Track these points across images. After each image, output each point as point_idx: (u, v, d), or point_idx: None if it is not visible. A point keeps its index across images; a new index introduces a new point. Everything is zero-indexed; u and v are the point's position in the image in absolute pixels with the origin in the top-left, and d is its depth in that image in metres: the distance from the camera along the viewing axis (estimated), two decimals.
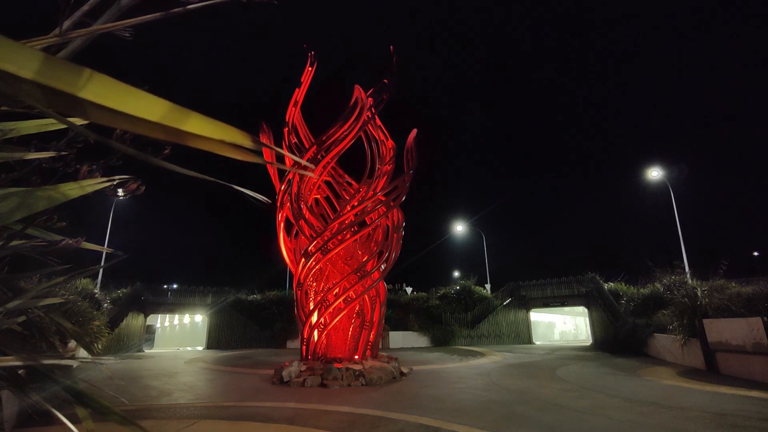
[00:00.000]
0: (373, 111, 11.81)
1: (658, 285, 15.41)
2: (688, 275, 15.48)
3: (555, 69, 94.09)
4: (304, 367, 9.38)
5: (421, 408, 6.43)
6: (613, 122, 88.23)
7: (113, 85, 0.49)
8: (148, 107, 0.50)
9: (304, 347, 10.39)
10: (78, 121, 0.90)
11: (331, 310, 10.42)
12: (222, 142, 0.55)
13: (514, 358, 14.61)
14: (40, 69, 0.47)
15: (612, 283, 20.76)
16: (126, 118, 0.50)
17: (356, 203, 11.39)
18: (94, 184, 1.10)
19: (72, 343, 8.45)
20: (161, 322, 32.01)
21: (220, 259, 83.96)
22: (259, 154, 0.60)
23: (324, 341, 10.56)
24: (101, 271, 18.27)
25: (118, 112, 0.49)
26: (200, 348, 23.57)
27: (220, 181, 0.94)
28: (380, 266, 11.52)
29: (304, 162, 0.90)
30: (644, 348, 14.71)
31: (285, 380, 8.99)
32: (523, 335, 23.13)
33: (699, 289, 11.98)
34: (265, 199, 1.02)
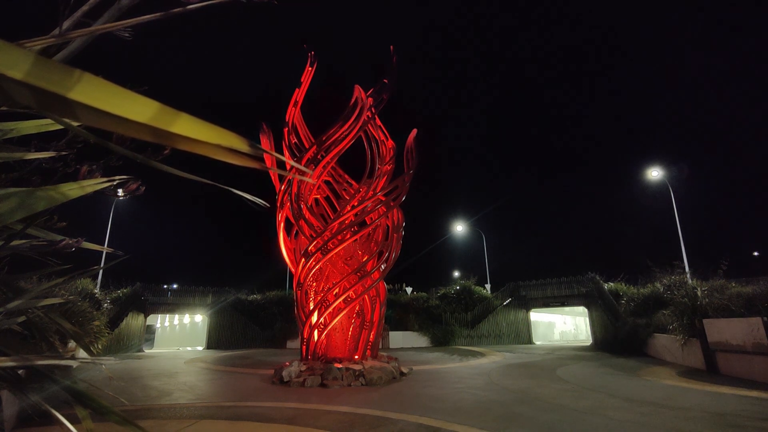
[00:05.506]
0: (373, 111, 11.81)
1: (658, 285, 15.40)
2: (688, 275, 15.48)
3: (556, 68, 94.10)
4: (304, 367, 9.37)
5: (421, 408, 6.42)
6: (613, 122, 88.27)
7: (102, 85, 0.48)
8: (136, 108, 0.49)
9: (304, 347, 10.39)
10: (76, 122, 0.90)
11: (331, 310, 10.42)
12: (217, 146, 0.53)
13: (514, 358, 14.61)
14: (30, 69, 0.46)
15: (612, 283, 20.74)
16: (114, 119, 0.48)
17: (356, 203, 11.39)
18: (94, 184, 1.10)
19: (72, 344, 8.44)
20: (161, 322, 32.02)
21: (220, 259, 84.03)
22: (257, 158, 0.58)
23: (324, 341, 10.56)
24: (101, 271, 18.28)
25: (107, 113, 0.48)
26: (200, 348, 23.57)
27: (219, 185, 0.94)
28: (380, 266, 11.51)
29: (302, 167, 0.89)
30: (644, 348, 14.71)
31: (285, 380, 8.99)
32: (523, 335, 23.12)
33: (699, 289, 11.98)
34: (264, 203, 1.03)
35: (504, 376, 9.89)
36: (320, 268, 10.92)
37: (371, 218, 11.92)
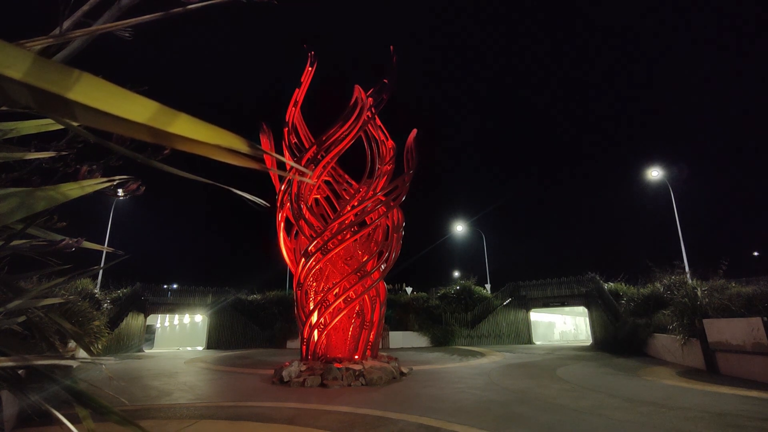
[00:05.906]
0: (373, 111, 11.81)
1: (658, 285, 15.38)
2: (688, 275, 15.47)
3: (556, 68, 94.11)
4: (304, 367, 9.38)
5: (421, 408, 6.43)
6: (613, 122, 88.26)
7: (100, 85, 0.48)
8: (134, 108, 0.49)
9: (304, 347, 10.39)
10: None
11: (331, 310, 10.42)
12: (216, 146, 0.52)
13: (514, 358, 14.61)
14: (28, 69, 0.46)
15: (612, 283, 20.73)
16: (113, 119, 0.48)
17: (356, 203, 11.39)
18: (94, 184, 1.10)
19: (72, 343, 8.44)
20: (161, 322, 32.01)
21: (220, 259, 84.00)
22: (257, 158, 0.57)
23: (324, 341, 10.56)
24: (101, 271, 18.28)
25: (106, 113, 0.48)
26: (200, 348, 23.57)
27: (219, 184, 0.94)
28: (380, 266, 11.51)
29: (302, 168, 0.89)
30: (644, 348, 14.70)
31: (285, 380, 8.99)
32: (523, 335, 23.12)
33: (699, 289, 11.98)
34: (264, 203, 1.03)
35: (504, 376, 9.89)
36: (320, 268, 10.92)
37: (371, 218, 11.92)
